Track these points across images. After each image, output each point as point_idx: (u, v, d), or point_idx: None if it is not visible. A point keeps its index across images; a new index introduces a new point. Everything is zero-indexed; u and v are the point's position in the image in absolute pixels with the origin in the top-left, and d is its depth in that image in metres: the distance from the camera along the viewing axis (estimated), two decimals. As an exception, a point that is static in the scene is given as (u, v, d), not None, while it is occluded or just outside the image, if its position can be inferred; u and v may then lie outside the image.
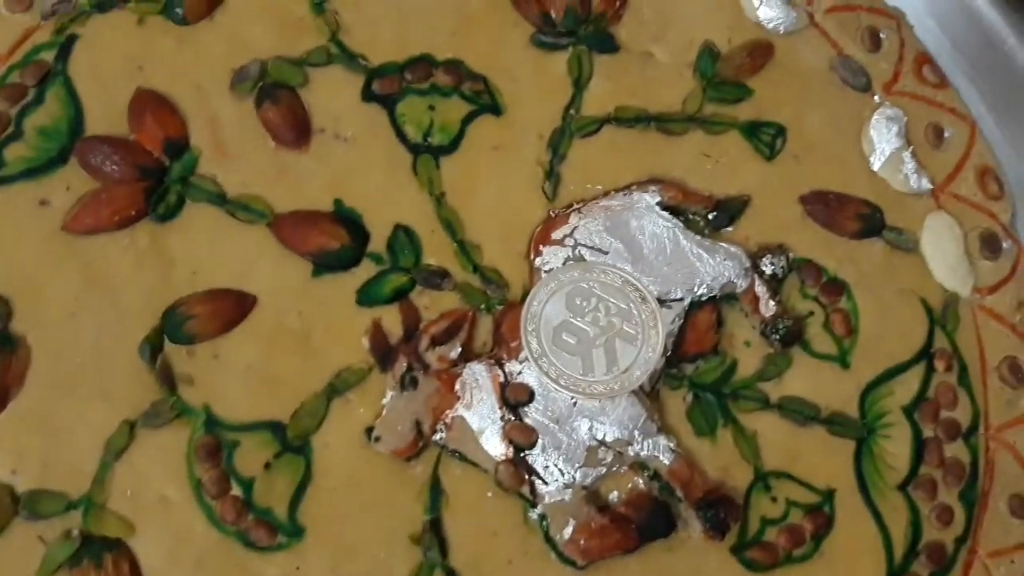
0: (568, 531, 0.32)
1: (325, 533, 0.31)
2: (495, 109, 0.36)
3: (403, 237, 0.34)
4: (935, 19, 0.42)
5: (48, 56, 0.35)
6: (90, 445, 0.31)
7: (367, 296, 0.34)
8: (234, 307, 0.33)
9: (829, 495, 0.34)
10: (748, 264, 0.35)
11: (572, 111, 0.37)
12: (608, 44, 0.38)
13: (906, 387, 0.35)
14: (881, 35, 0.40)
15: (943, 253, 0.37)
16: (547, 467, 0.32)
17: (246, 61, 0.35)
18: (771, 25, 0.39)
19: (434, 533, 0.31)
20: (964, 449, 0.35)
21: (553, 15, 0.38)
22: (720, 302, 0.35)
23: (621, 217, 0.35)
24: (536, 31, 0.38)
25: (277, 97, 0.35)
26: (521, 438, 0.32)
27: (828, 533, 0.33)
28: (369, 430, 0.32)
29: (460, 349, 0.33)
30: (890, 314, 0.36)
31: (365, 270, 0.34)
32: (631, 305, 0.33)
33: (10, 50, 0.35)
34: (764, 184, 0.37)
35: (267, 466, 0.31)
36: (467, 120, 0.36)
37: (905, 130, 0.39)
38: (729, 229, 0.36)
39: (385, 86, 0.36)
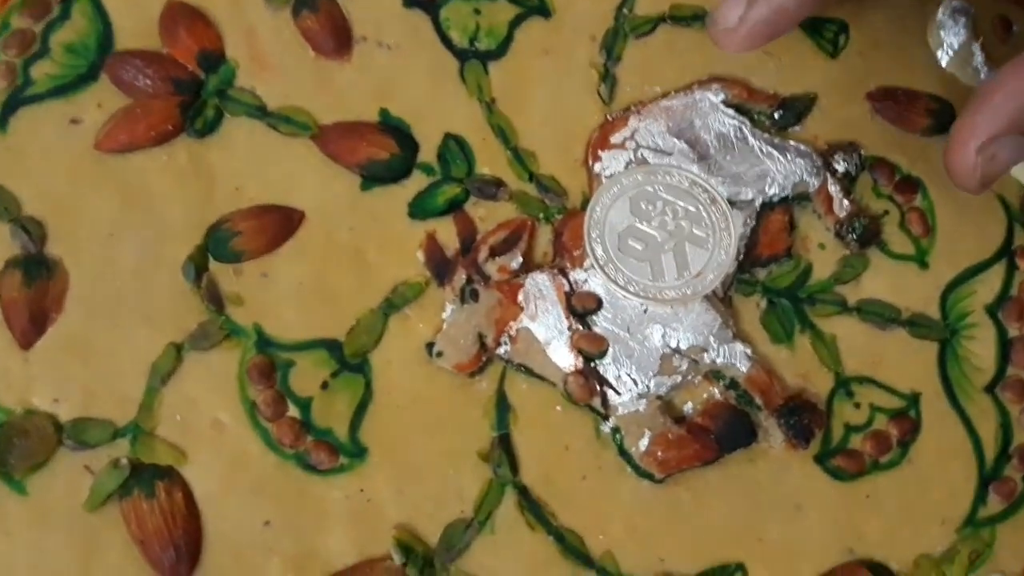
0: (644, 443, 0.30)
1: (389, 453, 0.29)
2: (544, 11, 0.34)
3: (454, 146, 0.32)
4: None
5: (69, -37, 0.33)
6: (135, 370, 0.29)
7: (420, 208, 0.32)
8: (281, 223, 0.31)
9: (914, 399, 0.32)
10: (820, 162, 0.33)
11: (625, 10, 0.34)
12: (660, -60, 0.36)
13: (988, 286, 0.33)
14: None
15: None
16: (619, 377, 0.30)
17: (279, -31, 0.34)
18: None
19: (503, 450, 0.30)
20: (1057, 346, 0.33)
21: (601, -89, 0.36)
22: (792, 203, 0.33)
23: (684, 117, 0.33)
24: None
25: (315, 5, 0.33)
26: (591, 347, 0.30)
27: (915, 438, 0.31)
28: (430, 345, 0.30)
29: (521, 259, 0.31)
30: (967, 212, 0.34)
31: (416, 182, 0.32)
32: (700, 207, 0.32)
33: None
34: (829, 82, 0.35)
35: (324, 385, 0.30)
36: (515, 23, 0.34)
37: (972, 23, 0.36)
38: (797, 128, 0.34)
39: (425, -10, 0.34)
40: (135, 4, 0.33)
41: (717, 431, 0.30)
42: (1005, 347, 0.33)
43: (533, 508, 0.29)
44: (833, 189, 0.33)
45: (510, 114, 0.33)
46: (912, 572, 0.30)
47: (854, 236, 0.33)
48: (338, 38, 0.33)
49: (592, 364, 0.30)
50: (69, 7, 0.33)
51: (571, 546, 0.29)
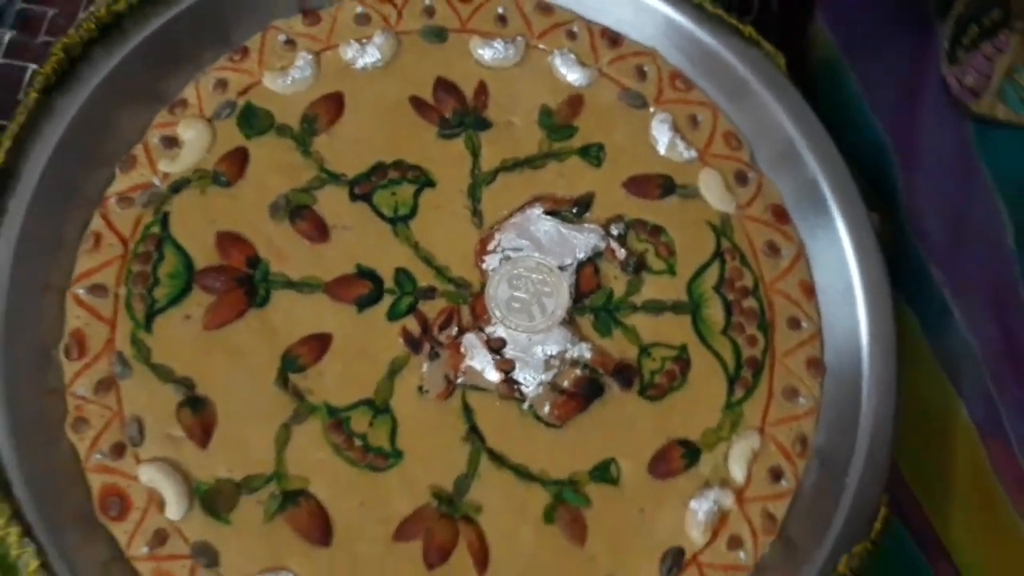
0: (546, 409, 0.55)
1: (414, 451, 0.54)
2: (431, 183, 0.59)
3: (402, 275, 0.57)
4: (675, 48, 0.66)
5: (156, 230, 0.56)
6: (267, 444, 0.53)
7: (393, 314, 0.56)
8: (321, 344, 0.55)
9: (684, 348, 0.58)
10: (603, 232, 0.59)
11: (476, 171, 0.60)
12: (484, 124, 0.61)
13: (712, 275, 0.59)
14: (645, 69, 0.64)
15: (713, 191, 0.62)
16: (525, 378, 0.55)
17: (274, 198, 0.57)
18: (577, 83, 0.63)
19: (474, 432, 0.54)
20: (754, 301, 0.60)
21: (447, 116, 0.61)
22: (594, 258, 0.59)
23: (524, 226, 0.58)
24: (439, 128, 0.61)
25: (302, 215, 0.57)
26: (505, 367, 0.55)
27: (689, 369, 0.57)
28: (420, 388, 0.55)
29: (456, 329, 0.56)
30: (692, 236, 0.60)
31: (387, 301, 0.56)
32: (544, 275, 0.57)
33: (131, 233, 0.56)
34: (599, 183, 0.60)
35: (370, 424, 0.54)
36: (416, 194, 0.59)
37: (674, 123, 0.63)
38: (587, 215, 0.60)
39: (362, 188, 0.58)
40: (199, 240, 0.56)
41: (583, 392, 0.56)
42: (728, 306, 0.59)
43: (496, 458, 0.54)
44: (614, 245, 0.59)
45: (428, 248, 0.58)
46: (702, 439, 0.56)
47: (631, 268, 0.59)
48: (320, 230, 0.57)
49: (509, 375, 0.55)
50: (162, 251, 0.56)
51: (522, 472, 0.54)
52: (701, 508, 0.54)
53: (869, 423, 0.55)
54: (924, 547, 0.61)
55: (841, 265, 0.59)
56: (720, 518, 0.54)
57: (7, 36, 0.71)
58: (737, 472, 0.55)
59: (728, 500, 0.54)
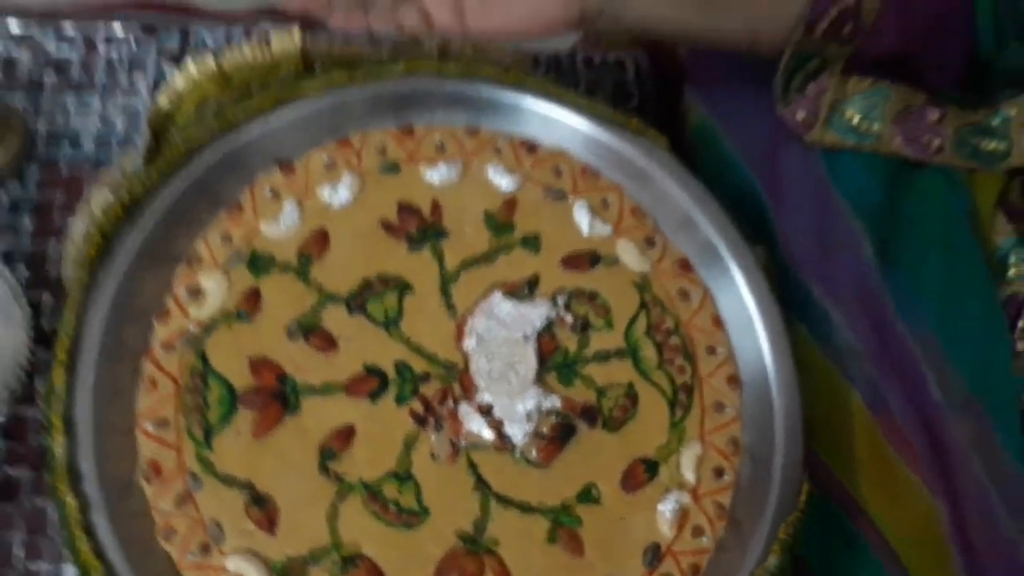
0: (533, 453, 0.69)
1: (437, 506, 0.67)
2: (409, 288, 0.73)
3: (402, 367, 0.71)
4: (582, 146, 0.81)
5: (199, 366, 0.69)
6: (321, 521, 0.65)
7: (400, 400, 0.70)
8: (348, 434, 0.68)
9: (631, 385, 0.72)
10: (552, 304, 0.74)
11: (443, 273, 0.74)
12: (442, 233, 0.75)
13: (641, 323, 0.75)
14: (560, 168, 0.80)
15: (631, 256, 0.77)
16: (512, 432, 0.69)
17: (288, 323, 0.71)
18: (509, 188, 0.78)
19: (481, 483, 0.68)
20: (677, 339, 0.75)
21: (412, 232, 0.75)
22: (549, 326, 0.73)
23: (489, 310, 0.73)
24: (408, 243, 0.75)
25: (313, 333, 0.70)
26: (496, 425, 0.69)
27: (637, 401, 0.72)
28: (432, 455, 0.69)
29: (452, 403, 0.70)
30: (621, 295, 0.75)
31: (392, 390, 0.70)
32: (513, 347, 0.72)
33: (179, 373, 0.68)
34: (541, 265, 0.75)
35: (399, 491, 0.67)
36: (400, 300, 0.73)
37: (590, 208, 0.78)
38: (537, 292, 0.75)
39: (357, 302, 0.72)
40: (236, 368, 0.69)
41: (559, 435, 0.70)
42: (658, 346, 0.75)
43: (501, 500, 0.68)
44: (562, 313, 0.74)
45: (417, 341, 0.72)
46: (658, 455, 0.71)
47: (579, 329, 0.74)
48: (330, 343, 0.70)
49: (500, 431, 0.69)
50: (207, 382, 0.68)
51: (524, 507, 0.68)
52: (667, 509, 0.69)
53: (782, 420, 0.71)
54: (847, 511, 0.72)
55: (740, 299, 0.75)
56: (683, 514, 0.69)
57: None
58: (689, 475, 0.70)
59: (686, 499, 0.70)
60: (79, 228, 0.73)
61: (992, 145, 0.77)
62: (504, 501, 0.68)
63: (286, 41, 0.77)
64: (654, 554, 0.68)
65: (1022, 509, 0.71)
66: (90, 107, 0.91)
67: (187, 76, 0.75)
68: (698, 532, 0.69)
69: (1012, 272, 0.77)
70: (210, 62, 0.75)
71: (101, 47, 0.93)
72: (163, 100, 0.75)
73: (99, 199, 0.72)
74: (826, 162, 0.83)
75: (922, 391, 0.71)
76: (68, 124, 0.90)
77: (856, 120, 0.78)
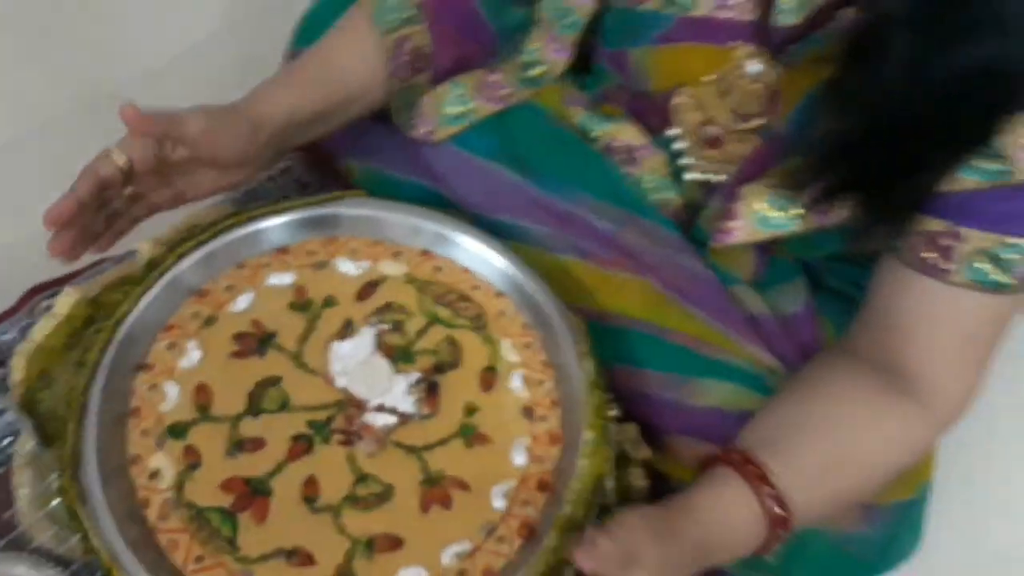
0: (425, 410, 1.00)
1: (396, 480, 0.97)
2: (279, 379, 1.01)
3: (314, 423, 0.99)
4: (299, 230, 1.13)
5: (192, 514, 0.93)
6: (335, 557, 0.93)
7: (327, 440, 0.98)
8: (312, 480, 0.95)
9: (448, 337, 1.06)
10: (371, 327, 1.05)
11: (291, 355, 1.03)
12: (272, 336, 1.04)
13: (429, 301, 1.08)
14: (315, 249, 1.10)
15: (393, 268, 1.10)
16: (405, 408, 1.00)
17: (225, 449, 0.96)
18: (287, 282, 1.08)
19: (410, 449, 0.98)
20: (453, 294, 1.09)
21: (254, 346, 1.03)
22: (380, 337, 1.05)
23: (337, 356, 1.03)
24: (257, 354, 1.02)
25: (247, 443, 0.97)
26: (392, 411, 1.00)
27: (457, 343, 1.06)
28: (369, 455, 0.97)
29: (358, 418, 0.99)
30: (404, 294, 1.08)
31: (318, 438, 0.98)
32: (369, 364, 1.02)
33: (186, 527, 0.92)
34: (345, 311, 1.06)
35: (367, 488, 0.96)
36: (280, 388, 1.01)
37: (348, 257, 1.10)
38: (354, 326, 1.05)
39: (254, 410, 0.99)
40: (214, 496, 0.94)
41: (431, 391, 1.02)
42: (448, 305, 1.08)
43: (425, 448, 0.99)
44: (381, 326, 1.05)
45: (309, 403, 1.00)
46: (488, 361, 1.05)
47: (395, 328, 1.05)
48: (258, 443, 0.97)
49: (398, 412, 1.00)
50: (206, 517, 0.93)
51: (438, 442, 0.99)
52: (515, 387, 1.03)
53: (553, 309, 1.08)
54: (615, 324, 1.14)
55: (476, 256, 1.11)
56: (526, 383, 1.04)
57: None
58: (513, 357, 1.05)
59: (521, 377, 1.04)
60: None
61: (530, 67, 1.18)
62: (429, 448, 0.99)
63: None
64: (527, 414, 1.02)
65: (687, 251, 1.12)
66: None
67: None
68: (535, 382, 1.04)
69: (595, 133, 1.18)
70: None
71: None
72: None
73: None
74: (456, 144, 1.21)
75: (591, 229, 1.10)
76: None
77: (457, 109, 1.16)
